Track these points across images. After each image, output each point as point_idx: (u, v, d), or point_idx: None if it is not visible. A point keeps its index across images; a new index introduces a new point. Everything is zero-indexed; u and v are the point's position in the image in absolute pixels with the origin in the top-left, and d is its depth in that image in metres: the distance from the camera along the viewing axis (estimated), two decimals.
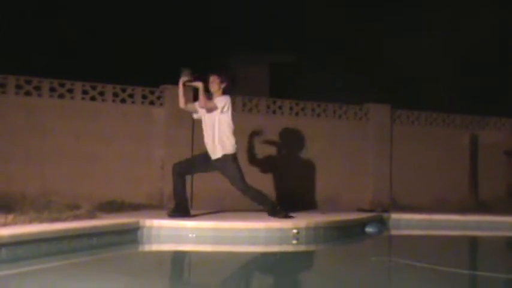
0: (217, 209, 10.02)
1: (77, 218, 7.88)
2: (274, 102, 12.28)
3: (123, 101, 11.02)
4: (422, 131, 13.58)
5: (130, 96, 11.08)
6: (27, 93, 10.35)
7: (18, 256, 6.32)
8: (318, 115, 12.63)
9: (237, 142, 8.96)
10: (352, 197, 12.50)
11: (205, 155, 9.04)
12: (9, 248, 6.23)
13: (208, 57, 14.67)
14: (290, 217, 8.90)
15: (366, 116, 13.07)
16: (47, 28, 13.16)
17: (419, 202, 12.57)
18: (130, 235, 7.99)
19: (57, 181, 10.28)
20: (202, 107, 8.92)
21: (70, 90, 10.66)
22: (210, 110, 8.84)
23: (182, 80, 8.93)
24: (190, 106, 9.22)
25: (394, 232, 10.78)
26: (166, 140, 11.17)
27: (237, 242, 8.26)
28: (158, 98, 11.24)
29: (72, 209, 8.41)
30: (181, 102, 9.09)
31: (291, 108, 12.38)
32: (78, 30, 13.50)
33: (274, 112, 12.23)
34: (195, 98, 9.22)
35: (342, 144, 12.71)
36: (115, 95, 10.96)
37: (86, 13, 13.60)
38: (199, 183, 10.98)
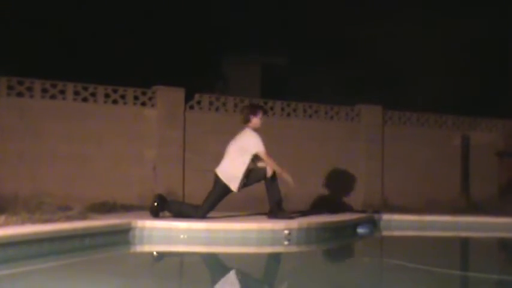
0: None
1: (69, 219, 7.87)
2: (266, 103, 12.28)
3: (114, 102, 11.01)
4: (414, 132, 13.61)
5: (122, 97, 11.07)
6: (19, 94, 10.33)
7: (10, 257, 6.30)
8: (310, 116, 12.65)
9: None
10: (343, 197, 12.52)
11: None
12: (0, 248, 6.22)
13: (200, 58, 14.70)
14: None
15: (357, 117, 13.09)
16: (38, 28, 13.14)
17: (410, 203, 12.56)
18: (122, 236, 7.98)
19: (50, 182, 10.25)
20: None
21: (62, 91, 10.65)
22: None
23: None
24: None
25: (385, 233, 10.80)
26: (158, 141, 11.17)
27: (229, 243, 8.26)
28: (150, 99, 11.23)
29: (64, 210, 8.39)
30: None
31: (282, 109, 12.39)
32: (70, 31, 13.48)
33: (265, 113, 12.21)
34: None
35: (334, 145, 12.72)
36: (107, 96, 10.95)
37: (78, 13, 13.58)
38: (191, 184, 11.01)
